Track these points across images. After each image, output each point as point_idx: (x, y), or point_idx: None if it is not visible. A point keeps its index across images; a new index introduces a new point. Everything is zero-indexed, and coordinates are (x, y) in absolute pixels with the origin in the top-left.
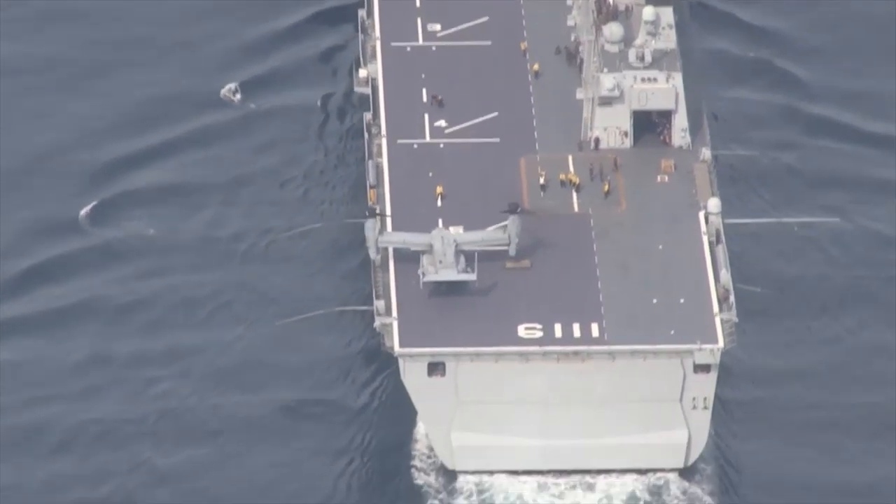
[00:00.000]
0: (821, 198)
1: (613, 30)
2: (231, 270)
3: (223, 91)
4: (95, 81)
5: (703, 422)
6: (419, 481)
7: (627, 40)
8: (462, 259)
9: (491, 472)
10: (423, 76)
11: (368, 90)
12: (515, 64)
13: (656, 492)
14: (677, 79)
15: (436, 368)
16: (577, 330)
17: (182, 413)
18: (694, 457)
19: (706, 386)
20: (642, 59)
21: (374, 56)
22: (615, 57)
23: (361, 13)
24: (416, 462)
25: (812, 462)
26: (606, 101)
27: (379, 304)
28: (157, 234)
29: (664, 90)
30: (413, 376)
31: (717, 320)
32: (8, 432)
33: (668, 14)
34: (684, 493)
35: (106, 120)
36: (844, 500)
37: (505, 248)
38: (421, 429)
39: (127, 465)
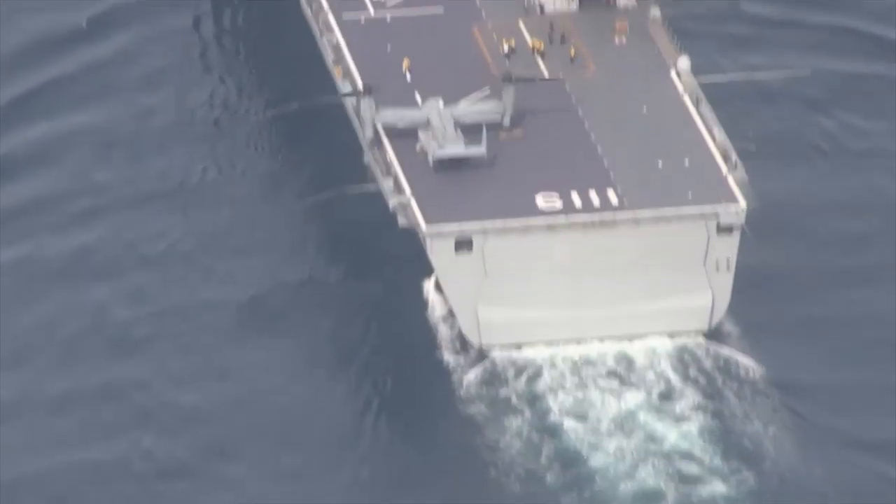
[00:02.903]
0: (788, 45)
1: None
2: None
3: None
4: None
5: (726, 284)
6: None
7: None
8: (460, 132)
9: (519, 346)
10: None
11: None
12: None
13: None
14: None
15: (462, 245)
16: (595, 197)
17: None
18: (718, 318)
19: (729, 247)
20: None
21: None
22: None
23: None
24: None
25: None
26: None
27: (388, 183)
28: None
29: None
30: (440, 254)
31: (731, 180)
32: None
33: None
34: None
35: None
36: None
37: (498, 118)
38: (436, 310)
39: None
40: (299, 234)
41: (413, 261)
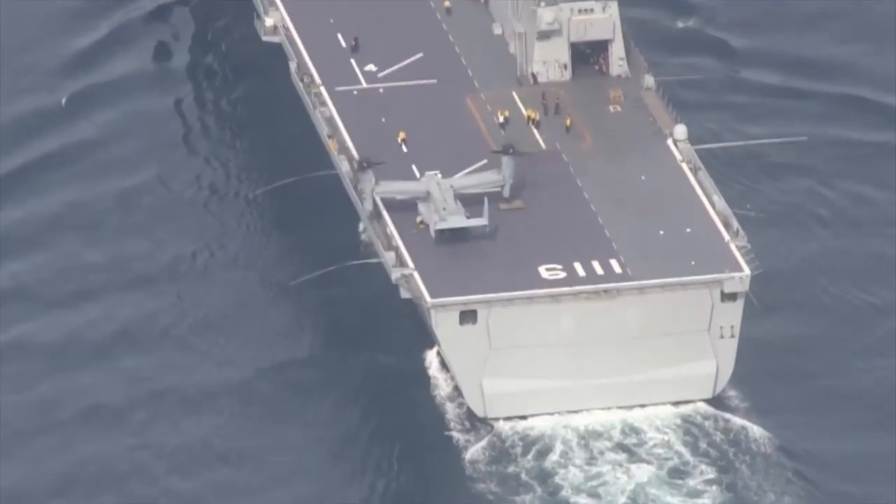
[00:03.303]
0: (783, 113)
1: None
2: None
3: None
4: None
5: (730, 351)
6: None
7: None
8: (460, 203)
9: (524, 417)
10: (331, 21)
11: (277, 38)
12: (418, 1)
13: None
14: (613, 7)
15: (467, 317)
16: (598, 267)
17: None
18: (721, 386)
19: (733, 315)
20: None
21: (272, 4)
22: None
23: None
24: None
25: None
26: (545, 35)
27: (389, 256)
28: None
29: (602, 20)
30: (444, 326)
31: (733, 247)
32: None
33: None
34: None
35: None
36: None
37: (497, 189)
38: (440, 384)
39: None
40: (295, 313)
41: (413, 334)
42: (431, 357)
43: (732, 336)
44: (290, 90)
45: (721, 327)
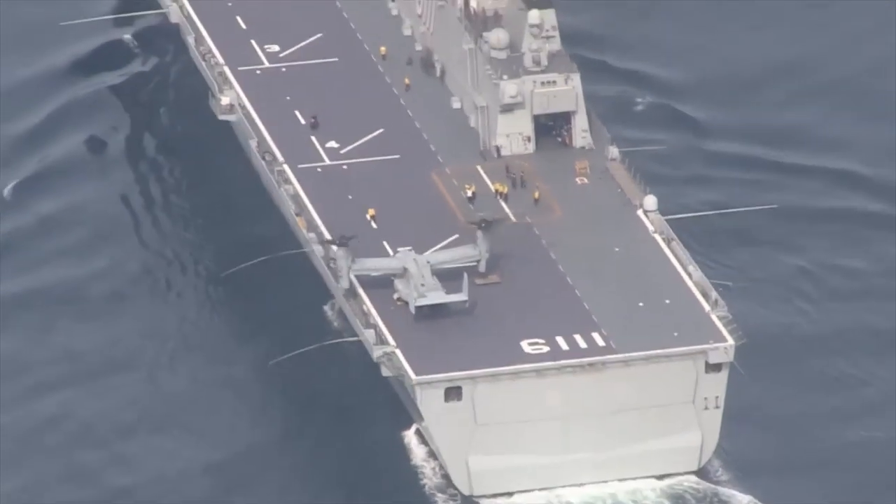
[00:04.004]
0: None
1: (500, 36)
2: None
3: None
4: None
5: (715, 421)
6: None
7: (509, 45)
8: (436, 279)
9: (510, 493)
10: (288, 98)
11: (234, 117)
12: (373, 78)
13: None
14: (576, 79)
15: (452, 393)
16: (581, 341)
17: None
18: (706, 457)
19: (718, 385)
20: (539, 62)
21: (226, 82)
22: (508, 63)
23: (189, 40)
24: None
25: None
26: (508, 108)
27: (369, 334)
28: None
29: (565, 92)
30: (429, 403)
31: (714, 318)
32: None
33: (551, 16)
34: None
35: None
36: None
37: (473, 264)
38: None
39: None
40: (270, 394)
41: (392, 412)
42: (411, 436)
43: (717, 407)
44: (243, 169)
45: (706, 398)
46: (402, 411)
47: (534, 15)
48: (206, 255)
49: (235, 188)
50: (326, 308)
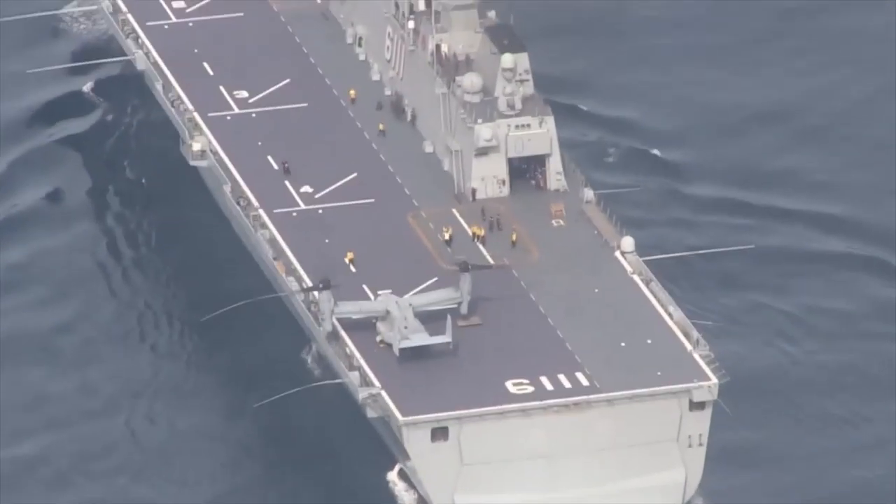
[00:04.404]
0: (725, 225)
1: (474, 80)
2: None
3: None
4: None
5: (698, 459)
6: None
7: (483, 89)
8: (418, 321)
9: None
10: (259, 143)
11: (206, 163)
12: (344, 122)
13: None
14: (549, 122)
15: (438, 434)
16: (565, 381)
17: None
18: (690, 495)
19: (701, 423)
20: (513, 106)
21: (196, 128)
22: (482, 107)
23: (157, 86)
24: None
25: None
26: (482, 152)
27: (354, 376)
28: None
29: (539, 135)
30: (416, 444)
31: (697, 357)
32: None
33: (524, 60)
34: None
35: None
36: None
37: (455, 306)
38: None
39: None
40: (248, 440)
41: (374, 453)
42: (394, 476)
43: (700, 444)
44: (213, 216)
45: (689, 436)
46: (384, 452)
47: (507, 59)
48: (178, 304)
49: (205, 236)
50: (304, 354)
